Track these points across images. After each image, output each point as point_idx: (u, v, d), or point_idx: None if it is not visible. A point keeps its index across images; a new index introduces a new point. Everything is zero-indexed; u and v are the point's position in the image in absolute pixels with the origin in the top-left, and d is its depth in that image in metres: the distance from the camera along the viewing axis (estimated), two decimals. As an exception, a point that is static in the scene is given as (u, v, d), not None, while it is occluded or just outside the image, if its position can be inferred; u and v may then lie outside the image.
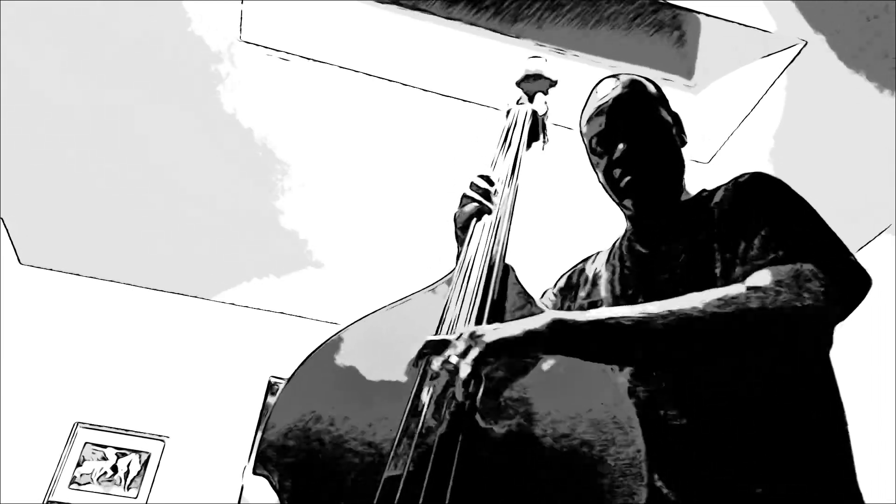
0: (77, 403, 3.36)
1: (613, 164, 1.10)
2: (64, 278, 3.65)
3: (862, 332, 2.50)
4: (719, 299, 0.81)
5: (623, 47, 2.21)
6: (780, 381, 0.90)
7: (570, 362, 0.80)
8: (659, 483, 0.88)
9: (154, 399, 3.44)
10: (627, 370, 0.98)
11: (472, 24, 2.23)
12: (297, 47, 2.37)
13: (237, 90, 2.53)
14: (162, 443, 3.35)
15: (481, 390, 0.74)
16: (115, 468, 3.27)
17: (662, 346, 0.80)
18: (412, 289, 1.00)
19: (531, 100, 1.33)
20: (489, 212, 1.07)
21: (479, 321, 0.87)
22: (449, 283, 0.97)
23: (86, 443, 3.30)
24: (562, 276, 1.29)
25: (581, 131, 1.20)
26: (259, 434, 0.85)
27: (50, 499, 3.14)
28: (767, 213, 0.94)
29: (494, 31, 2.25)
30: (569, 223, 2.92)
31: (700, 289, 0.93)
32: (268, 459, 0.80)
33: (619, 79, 1.16)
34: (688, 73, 2.27)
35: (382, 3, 2.21)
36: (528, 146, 1.26)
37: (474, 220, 1.07)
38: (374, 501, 0.71)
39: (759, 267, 0.87)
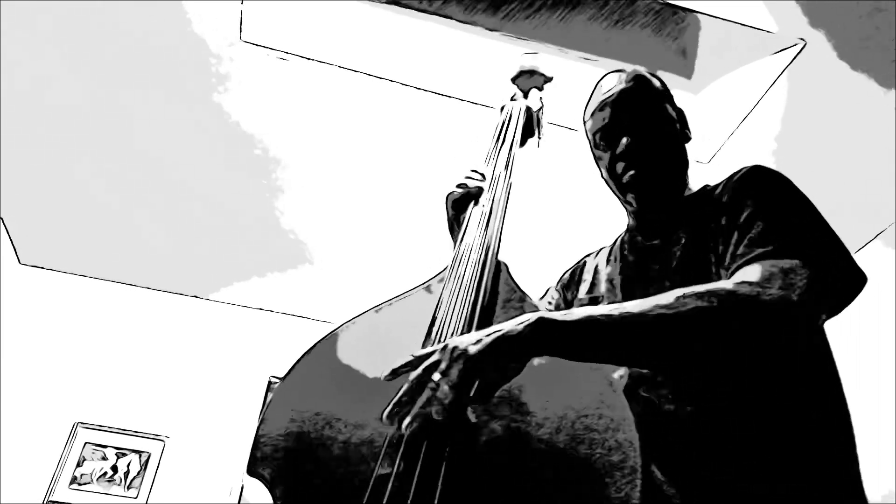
0: (77, 403, 3.36)
1: (617, 159, 1.09)
2: (64, 278, 3.64)
3: (862, 331, 2.50)
4: (702, 294, 0.79)
5: (623, 47, 2.21)
6: (781, 379, 0.89)
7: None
8: (660, 480, 0.88)
9: (154, 399, 3.44)
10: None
11: (470, 23, 2.23)
12: (297, 47, 2.37)
13: (237, 90, 2.53)
14: (162, 443, 3.35)
15: (467, 401, 0.72)
16: (115, 468, 3.27)
17: (645, 343, 0.78)
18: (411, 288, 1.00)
19: (526, 96, 1.32)
20: (479, 195, 1.10)
21: (471, 318, 0.86)
22: (442, 280, 0.97)
23: (86, 443, 3.29)
24: (566, 272, 1.28)
25: (584, 125, 1.19)
26: (254, 434, 0.85)
27: (50, 499, 3.14)
28: (762, 205, 0.93)
29: (493, 30, 2.25)
30: (563, 220, 2.92)
31: (695, 280, 0.92)
32: (262, 459, 0.80)
33: (623, 73, 1.15)
34: (688, 73, 2.27)
35: (382, 2, 2.20)
36: (523, 143, 1.26)
37: (471, 205, 1.09)
38: (365, 500, 0.71)
39: (750, 261, 0.86)
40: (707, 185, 1.11)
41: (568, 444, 0.75)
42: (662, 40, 2.18)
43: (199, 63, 2.42)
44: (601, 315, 0.78)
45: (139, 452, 3.32)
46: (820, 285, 0.83)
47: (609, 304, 1.10)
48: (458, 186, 1.16)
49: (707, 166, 2.54)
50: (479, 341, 0.75)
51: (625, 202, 1.14)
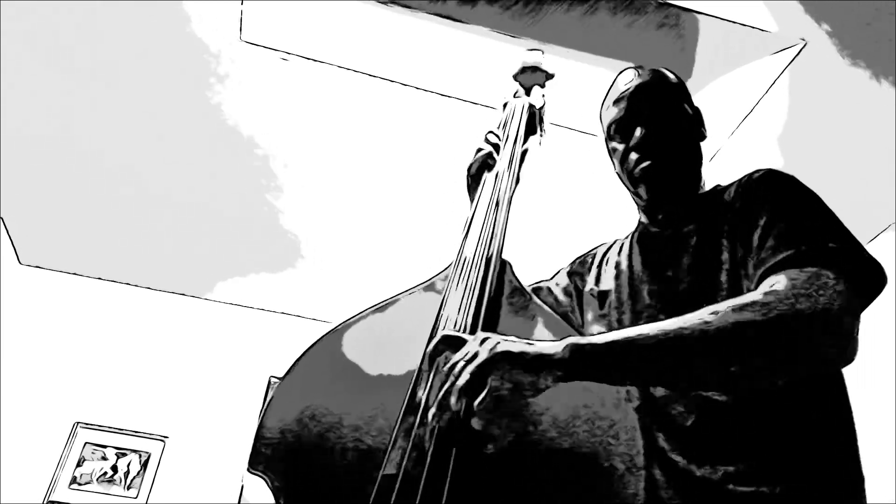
0: (77, 403, 3.36)
1: (631, 150, 1.09)
2: (64, 278, 3.64)
3: (862, 331, 2.49)
4: (739, 308, 0.78)
5: (623, 46, 2.21)
6: (787, 383, 0.89)
7: None
8: (661, 480, 0.88)
9: (154, 399, 3.44)
10: None
11: (471, 23, 2.23)
12: (297, 47, 2.37)
13: (237, 90, 2.53)
14: (162, 443, 3.35)
15: (479, 400, 0.71)
16: (115, 468, 3.27)
17: (683, 364, 0.77)
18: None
19: (528, 93, 1.32)
20: (493, 164, 1.15)
21: (475, 317, 0.86)
22: (446, 278, 0.97)
23: (86, 443, 3.29)
24: (577, 258, 1.28)
25: (600, 119, 1.19)
26: (255, 433, 0.84)
27: (50, 499, 3.14)
28: (780, 209, 0.93)
29: (493, 30, 2.24)
30: (567, 218, 2.92)
31: (705, 280, 0.92)
32: (263, 457, 0.80)
33: (642, 69, 1.15)
34: (688, 73, 2.27)
35: (382, 2, 2.20)
36: (525, 140, 1.26)
37: (485, 172, 1.13)
38: (371, 500, 0.71)
39: (773, 268, 0.85)
40: (718, 185, 1.11)
41: (575, 444, 0.75)
42: (662, 40, 2.18)
43: (199, 63, 2.42)
44: (632, 338, 0.76)
45: (139, 452, 3.32)
46: (851, 289, 0.82)
47: (616, 297, 1.10)
48: (478, 151, 1.21)
49: (707, 166, 2.54)
50: (511, 342, 0.75)
51: (636, 195, 1.14)
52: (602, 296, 1.13)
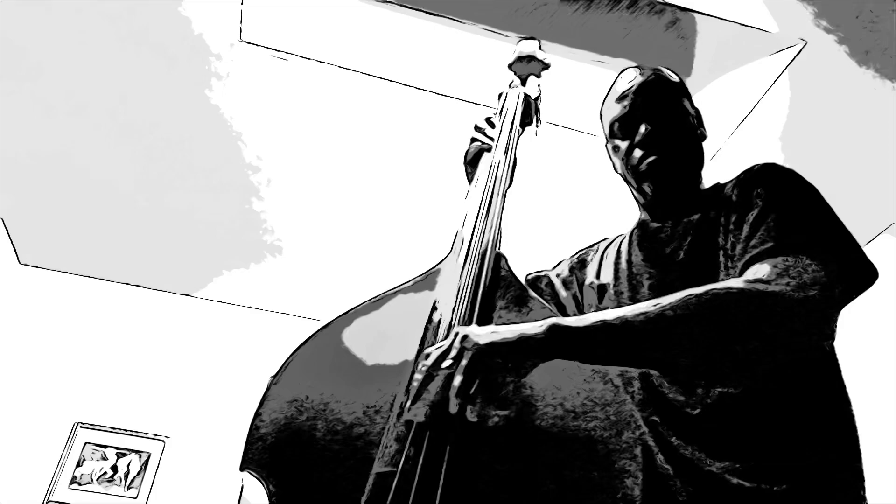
0: (77, 403, 3.36)
1: (635, 146, 1.09)
2: (64, 278, 3.64)
3: (862, 331, 2.50)
4: (713, 293, 0.79)
5: (623, 46, 2.21)
6: (785, 376, 0.89)
7: None
8: (665, 470, 0.88)
9: (154, 399, 3.44)
10: None
11: (471, 22, 2.23)
12: (297, 47, 2.37)
13: (237, 90, 2.53)
14: (162, 443, 3.35)
15: (472, 394, 0.72)
16: (115, 468, 3.27)
17: (656, 345, 0.79)
18: (410, 286, 0.99)
19: (523, 83, 1.31)
20: (489, 148, 1.15)
21: (471, 309, 0.86)
22: (441, 272, 0.97)
23: (86, 443, 3.29)
24: (580, 251, 1.28)
25: (601, 118, 1.19)
26: (249, 428, 0.84)
27: (50, 499, 3.14)
28: (772, 200, 0.93)
29: (493, 29, 2.24)
30: (566, 218, 2.92)
31: (701, 274, 0.92)
32: (256, 455, 0.80)
33: (642, 68, 1.16)
34: (688, 72, 2.26)
35: (382, 2, 2.20)
36: (521, 131, 1.25)
37: (483, 155, 1.15)
38: (365, 497, 0.70)
39: (759, 256, 0.86)
40: (719, 183, 1.12)
41: (573, 433, 0.75)
42: (662, 40, 2.17)
43: (199, 63, 2.42)
44: (613, 319, 0.78)
45: (139, 452, 3.32)
46: (831, 279, 0.83)
47: (614, 290, 1.11)
48: (471, 142, 1.22)
49: (708, 166, 2.53)
50: (493, 334, 0.76)
51: (640, 192, 1.14)
52: (601, 289, 1.14)
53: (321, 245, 3.29)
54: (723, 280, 0.91)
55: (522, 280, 1.01)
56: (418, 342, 0.84)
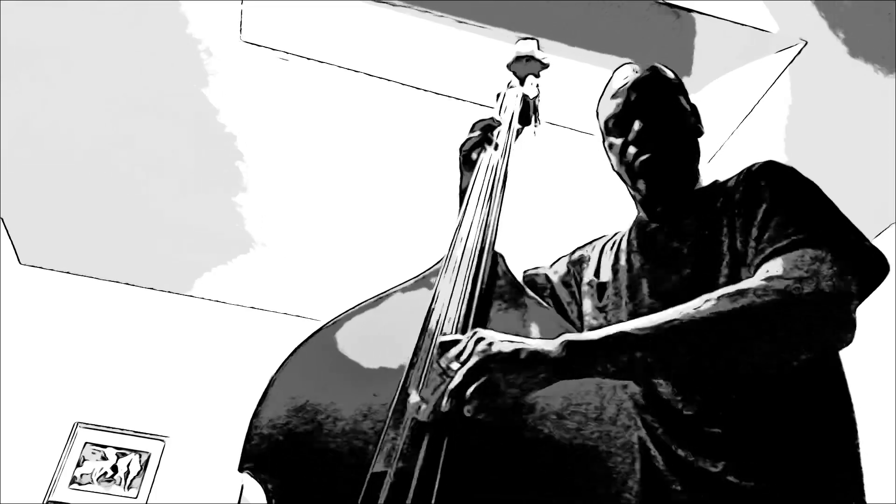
0: (77, 403, 3.36)
1: (629, 144, 1.09)
2: (64, 278, 3.64)
3: (862, 330, 2.49)
4: (734, 295, 0.78)
5: (623, 46, 2.21)
6: (789, 375, 0.89)
7: None
8: (664, 470, 0.88)
9: (154, 399, 3.43)
10: None
11: (471, 22, 2.23)
12: (297, 47, 2.37)
13: (237, 90, 2.53)
14: (162, 443, 3.35)
15: (470, 398, 0.70)
16: (115, 468, 3.27)
17: (685, 352, 0.77)
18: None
19: (522, 83, 1.31)
20: (490, 142, 1.11)
21: (468, 310, 0.86)
22: (438, 272, 0.96)
23: (86, 443, 3.29)
24: (577, 249, 1.28)
25: (597, 116, 1.18)
26: (247, 428, 0.84)
27: (50, 499, 3.14)
28: (780, 198, 0.93)
29: (493, 29, 2.24)
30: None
31: (706, 272, 0.91)
32: (254, 455, 0.80)
33: (638, 66, 1.16)
34: (687, 72, 2.26)
35: (382, 2, 2.20)
36: (520, 131, 1.25)
37: (477, 151, 1.11)
38: (360, 497, 0.70)
39: (772, 254, 0.85)
40: (717, 180, 1.11)
41: (570, 433, 0.75)
42: (662, 39, 2.17)
43: (199, 63, 2.42)
44: (630, 330, 0.76)
45: (139, 452, 3.32)
46: (850, 274, 0.82)
47: (614, 289, 1.10)
48: (470, 131, 1.18)
49: (707, 166, 2.53)
50: (506, 343, 0.74)
51: (635, 190, 1.13)
52: (601, 287, 1.13)
53: (322, 245, 3.28)
54: (742, 279, 0.90)
55: (520, 278, 1.01)
56: (415, 342, 0.84)
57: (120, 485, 3.24)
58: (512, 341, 0.75)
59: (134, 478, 3.26)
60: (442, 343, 0.78)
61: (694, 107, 1.17)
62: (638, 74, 1.13)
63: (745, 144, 2.47)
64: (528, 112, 1.27)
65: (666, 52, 2.20)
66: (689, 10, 2.06)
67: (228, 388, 3.51)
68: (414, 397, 0.74)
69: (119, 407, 3.38)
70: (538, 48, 1.35)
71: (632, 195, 1.17)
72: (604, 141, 1.17)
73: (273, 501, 0.77)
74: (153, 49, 2.38)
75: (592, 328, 1.06)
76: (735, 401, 0.89)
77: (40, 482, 3.17)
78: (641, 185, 1.09)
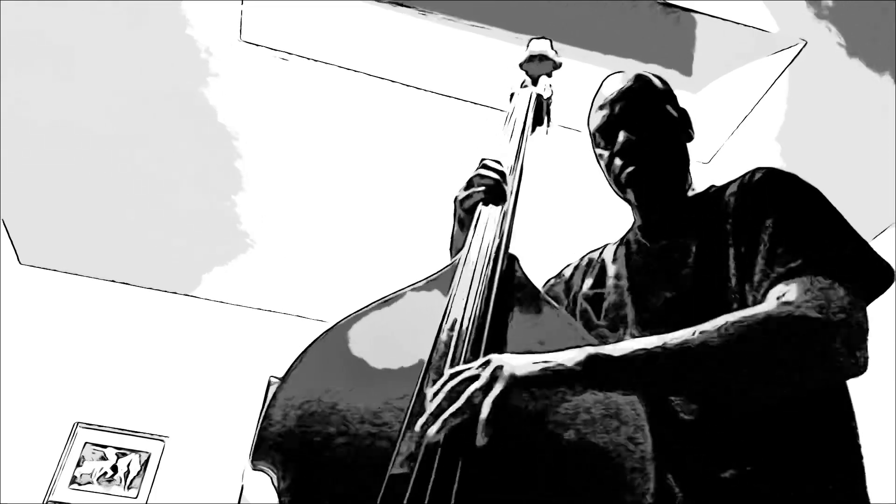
0: (77, 403, 3.36)
1: (615, 155, 1.09)
2: (64, 278, 3.64)
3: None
4: (755, 320, 0.78)
5: (623, 46, 2.21)
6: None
7: None
8: (669, 479, 0.88)
9: (154, 399, 3.44)
10: None
11: (471, 22, 2.23)
12: (297, 47, 2.37)
13: (237, 90, 2.53)
14: (162, 443, 3.35)
15: (494, 421, 0.70)
16: (115, 468, 3.27)
17: (706, 375, 0.77)
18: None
19: (535, 82, 1.30)
20: (503, 198, 1.02)
21: (483, 312, 0.85)
22: (453, 272, 0.95)
23: (86, 443, 3.29)
24: (568, 265, 1.27)
25: (588, 126, 1.18)
26: (257, 429, 0.83)
27: (50, 499, 3.14)
28: (785, 213, 0.92)
29: (493, 29, 2.24)
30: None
31: (711, 285, 0.91)
32: (267, 453, 0.79)
33: (625, 74, 1.15)
34: (688, 72, 2.27)
35: (382, 2, 2.20)
36: (533, 130, 1.24)
37: (481, 204, 1.03)
38: (379, 500, 0.70)
39: (782, 277, 0.85)
40: (713, 186, 1.10)
41: (587, 443, 0.75)
42: (662, 39, 2.18)
43: (199, 63, 2.42)
44: (655, 348, 0.76)
45: (139, 452, 3.32)
46: (860, 297, 0.84)
47: (614, 302, 1.10)
48: (476, 178, 1.07)
49: (707, 166, 2.54)
50: (526, 363, 0.73)
51: (626, 200, 1.14)
52: (598, 300, 1.13)
53: (322, 245, 3.29)
54: (735, 301, 0.91)
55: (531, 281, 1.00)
56: (431, 343, 0.84)
57: (120, 485, 3.24)
58: (535, 362, 0.74)
59: (134, 478, 3.26)
60: (457, 377, 0.76)
61: (683, 112, 1.16)
62: (623, 84, 1.12)
63: (745, 144, 2.47)
64: (540, 112, 1.26)
65: (666, 53, 2.20)
66: (690, 11, 2.06)
67: (228, 388, 3.51)
68: (431, 427, 0.72)
69: (119, 407, 3.39)
70: (551, 47, 1.34)
71: (627, 203, 1.17)
72: (594, 151, 1.17)
73: (284, 498, 0.76)
74: (153, 49, 2.38)
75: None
76: (736, 407, 0.89)
77: (40, 482, 3.17)
78: (630, 195, 1.09)
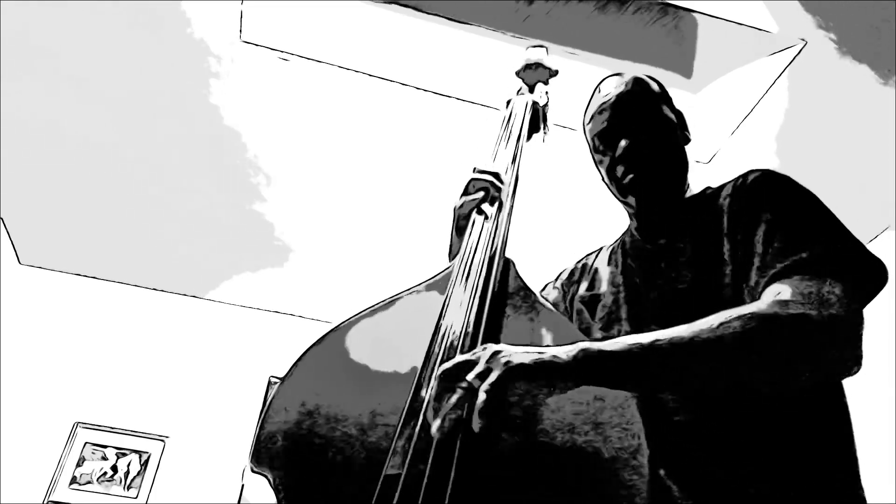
0: (77, 403, 3.36)
1: (616, 162, 1.09)
2: (64, 278, 3.64)
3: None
4: (747, 317, 0.78)
5: (623, 47, 2.21)
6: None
7: None
8: (664, 477, 0.88)
9: (154, 399, 3.44)
10: None
11: (472, 23, 2.23)
12: (297, 47, 2.37)
13: (237, 90, 2.53)
14: (162, 443, 3.35)
15: (494, 413, 0.69)
16: (115, 468, 3.27)
17: (697, 370, 0.77)
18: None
19: (531, 90, 1.31)
20: (499, 202, 1.03)
21: (479, 315, 0.86)
22: (449, 276, 0.96)
23: (86, 443, 3.30)
24: (564, 270, 1.28)
25: (584, 130, 1.19)
26: (256, 430, 0.83)
27: (50, 499, 3.14)
28: (780, 214, 0.93)
29: (493, 29, 2.25)
30: (570, 217, 2.92)
31: (706, 285, 0.91)
32: (266, 456, 0.80)
33: (622, 77, 1.15)
34: (688, 73, 2.27)
35: (382, 2, 2.20)
36: (529, 138, 1.24)
37: (476, 210, 1.04)
38: (374, 500, 0.70)
39: (776, 276, 0.85)
40: (709, 188, 1.11)
41: (579, 441, 0.75)
42: (662, 40, 2.18)
43: (199, 63, 2.42)
44: (648, 342, 0.76)
45: (139, 452, 3.32)
46: (854, 296, 0.84)
47: (610, 304, 1.10)
48: (470, 184, 1.09)
49: (707, 166, 2.54)
50: (523, 353, 0.73)
51: (625, 204, 1.14)
52: (594, 301, 1.13)
53: (322, 246, 3.29)
54: (729, 299, 0.91)
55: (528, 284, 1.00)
56: (426, 346, 0.84)
57: (120, 485, 3.24)
58: (528, 352, 0.73)
59: (134, 478, 3.26)
60: (456, 364, 0.75)
61: (680, 114, 1.17)
62: (621, 89, 1.12)
63: (744, 145, 2.47)
64: (537, 119, 1.27)
65: (666, 53, 2.20)
66: (690, 11, 2.06)
67: (228, 389, 3.52)
68: (432, 421, 0.72)
69: (119, 407, 3.39)
70: (547, 55, 1.35)
71: (624, 206, 1.17)
72: (592, 156, 1.17)
73: (283, 502, 0.77)
74: (153, 49, 2.38)
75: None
76: (730, 406, 0.89)
77: (40, 482, 3.17)
78: (632, 200, 1.10)
